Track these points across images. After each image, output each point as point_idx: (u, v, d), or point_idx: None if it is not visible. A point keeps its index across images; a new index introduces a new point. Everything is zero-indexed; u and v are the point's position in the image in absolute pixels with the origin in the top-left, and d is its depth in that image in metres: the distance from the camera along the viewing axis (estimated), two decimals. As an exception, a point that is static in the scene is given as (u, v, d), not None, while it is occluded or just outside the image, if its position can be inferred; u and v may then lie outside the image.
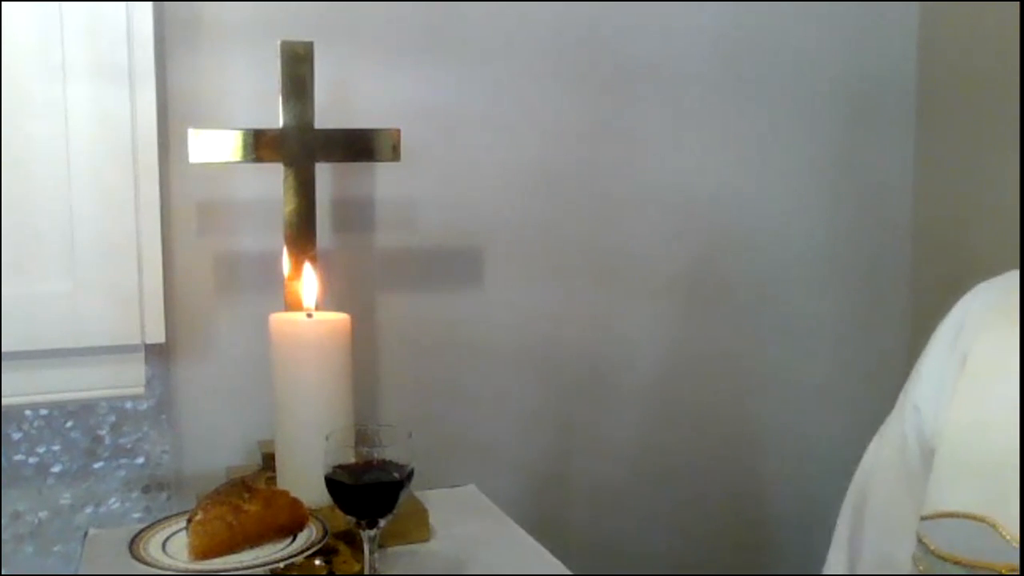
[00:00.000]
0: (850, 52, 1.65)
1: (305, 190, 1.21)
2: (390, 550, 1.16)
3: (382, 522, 0.98)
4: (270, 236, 1.27)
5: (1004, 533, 0.79)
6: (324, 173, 1.30)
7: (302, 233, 1.22)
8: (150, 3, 1.14)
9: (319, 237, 1.23)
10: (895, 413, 1.01)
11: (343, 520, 1.01)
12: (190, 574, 0.93)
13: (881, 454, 1.02)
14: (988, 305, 0.93)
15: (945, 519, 0.84)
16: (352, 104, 1.37)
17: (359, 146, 1.25)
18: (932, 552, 0.84)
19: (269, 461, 1.23)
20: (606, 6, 1.50)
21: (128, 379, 1.19)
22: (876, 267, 1.71)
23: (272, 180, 1.22)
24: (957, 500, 0.84)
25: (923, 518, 0.87)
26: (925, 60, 1.67)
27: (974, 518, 0.81)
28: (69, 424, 1.31)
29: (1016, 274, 0.94)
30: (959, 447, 0.86)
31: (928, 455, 0.91)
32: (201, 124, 1.20)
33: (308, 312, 1.16)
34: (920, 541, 0.87)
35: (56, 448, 1.30)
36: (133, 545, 0.97)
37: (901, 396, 1.01)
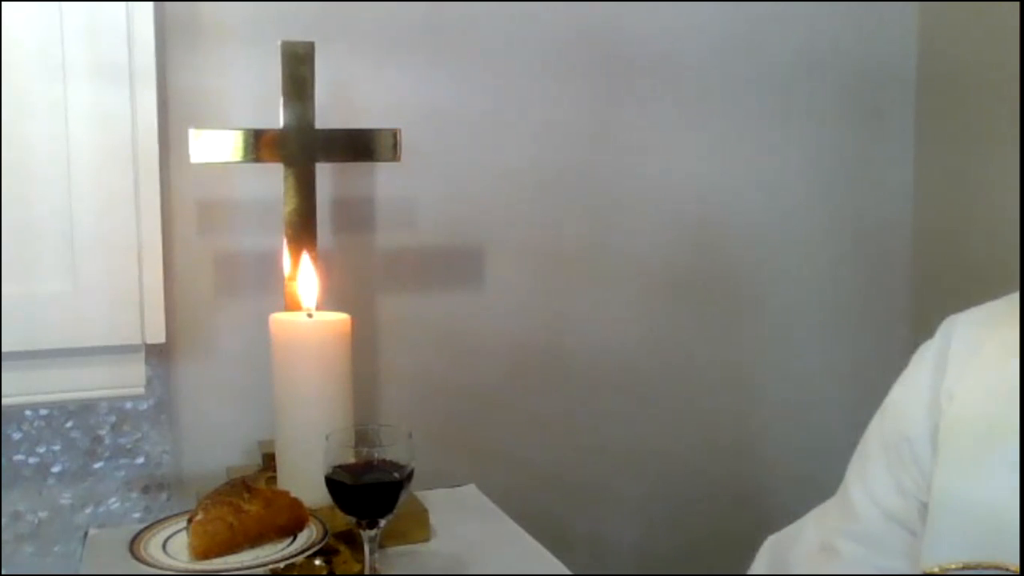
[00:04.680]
0: (850, 51, 1.65)
1: (305, 190, 1.21)
2: (390, 550, 1.16)
3: (382, 522, 0.98)
4: (270, 236, 1.27)
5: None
6: (324, 173, 1.30)
7: (302, 233, 1.21)
8: (150, 3, 1.14)
9: (319, 237, 1.23)
10: (887, 456, 0.94)
11: (343, 520, 1.01)
12: (190, 574, 0.93)
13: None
14: (969, 345, 0.89)
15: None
16: (352, 104, 1.37)
17: (359, 146, 1.25)
18: None
19: (269, 461, 1.23)
20: (605, 6, 1.50)
21: (128, 379, 1.18)
22: (876, 267, 1.71)
23: (272, 180, 1.22)
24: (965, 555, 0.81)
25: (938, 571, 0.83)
26: (925, 59, 1.67)
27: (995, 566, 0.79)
28: (69, 424, 1.31)
29: (993, 306, 0.91)
30: (955, 503, 0.83)
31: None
32: (201, 124, 1.20)
33: (308, 312, 1.16)
34: None
35: (56, 448, 1.30)
36: (133, 545, 0.97)
37: (896, 438, 0.94)
